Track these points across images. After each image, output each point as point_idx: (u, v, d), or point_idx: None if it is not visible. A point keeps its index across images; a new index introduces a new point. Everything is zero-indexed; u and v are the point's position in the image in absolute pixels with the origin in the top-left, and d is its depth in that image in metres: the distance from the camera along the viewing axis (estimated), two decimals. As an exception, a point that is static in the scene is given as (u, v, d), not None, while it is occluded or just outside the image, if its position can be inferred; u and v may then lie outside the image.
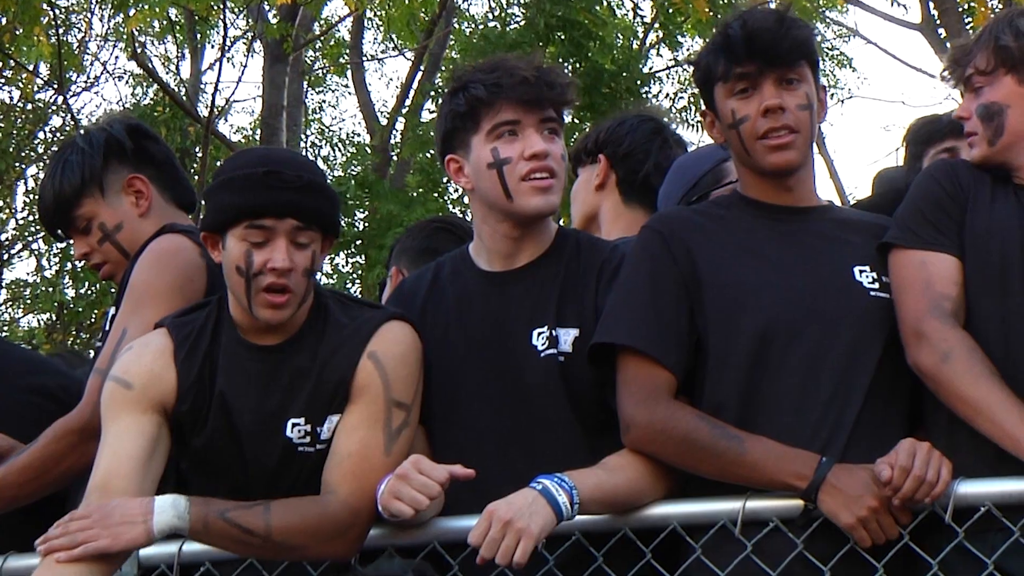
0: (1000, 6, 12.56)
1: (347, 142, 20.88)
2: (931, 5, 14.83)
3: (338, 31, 18.80)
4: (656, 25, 16.82)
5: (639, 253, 3.06)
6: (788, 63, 3.03)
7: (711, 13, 12.25)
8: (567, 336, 3.05)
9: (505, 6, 15.45)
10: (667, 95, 18.15)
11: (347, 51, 19.01)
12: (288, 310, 2.99)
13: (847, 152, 28.16)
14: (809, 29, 3.13)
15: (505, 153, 3.07)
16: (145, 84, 19.18)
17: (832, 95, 18.72)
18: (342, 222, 14.21)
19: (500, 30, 14.39)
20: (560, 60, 13.31)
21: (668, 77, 18.91)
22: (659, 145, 3.83)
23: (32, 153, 18.39)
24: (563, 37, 13.80)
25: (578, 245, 3.17)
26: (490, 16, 16.86)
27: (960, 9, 13.97)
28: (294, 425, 3.02)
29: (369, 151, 16.83)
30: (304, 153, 19.01)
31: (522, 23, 14.39)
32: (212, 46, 19.29)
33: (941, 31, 14.62)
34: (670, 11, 14.55)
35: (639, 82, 14.52)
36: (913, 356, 2.88)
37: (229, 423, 3.03)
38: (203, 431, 3.05)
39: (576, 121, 13.71)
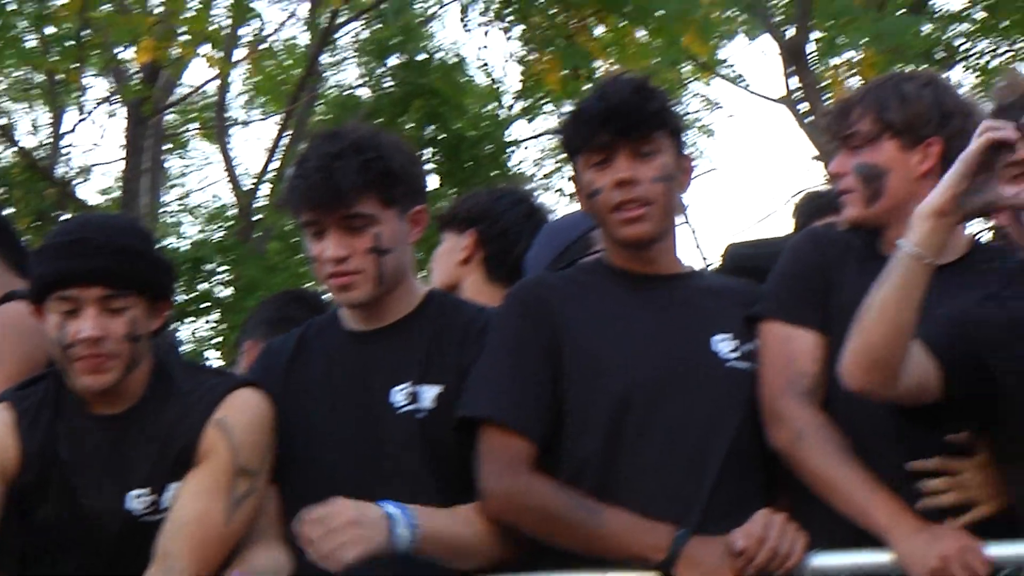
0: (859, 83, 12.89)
1: (207, 207, 20.66)
2: (792, 80, 15.18)
3: (203, 95, 18.65)
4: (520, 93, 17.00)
5: (502, 321, 3.05)
6: (643, 135, 3.00)
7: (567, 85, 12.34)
8: (429, 393, 3.01)
9: (373, 72, 15.48)
10: (533, 162, 18.31)
11: (212, 114, 18.84)
12: (108, 375, 2.93)
13: (710, 222, 28.53)
14: (665, 99, 3.10)
15: (313, 251, 3.05)
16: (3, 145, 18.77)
17: (696, 166, 18.97)
18: (191, 286, 14.05)
19: (357, 99, 14.38)
20: (416, 127, 13.34)
21: (536, 143, 19.07)
22: (531, 229, 3.79)
23: None
24: (420, 105, 13.82)
25: (444, 306, 3.15)
26: (358, 81, 16.92)
27: (820, 85, 14.32)
28: (137, 496, 2.94)
29: (231, 217, 16.68)
30: (162, 216, 18.76)
31: (377, 94, 14.43)
32: (76, 108, 18.99)
33: (802, 106, 14.97)
34: (529, 82, 14.69)
35: (503, 149, 14.62)
36: (769, 434, 2.91)
37: (71, 495, 2.95)
38: (45, 503, 2.96)
39: (441, 186, 13.76)
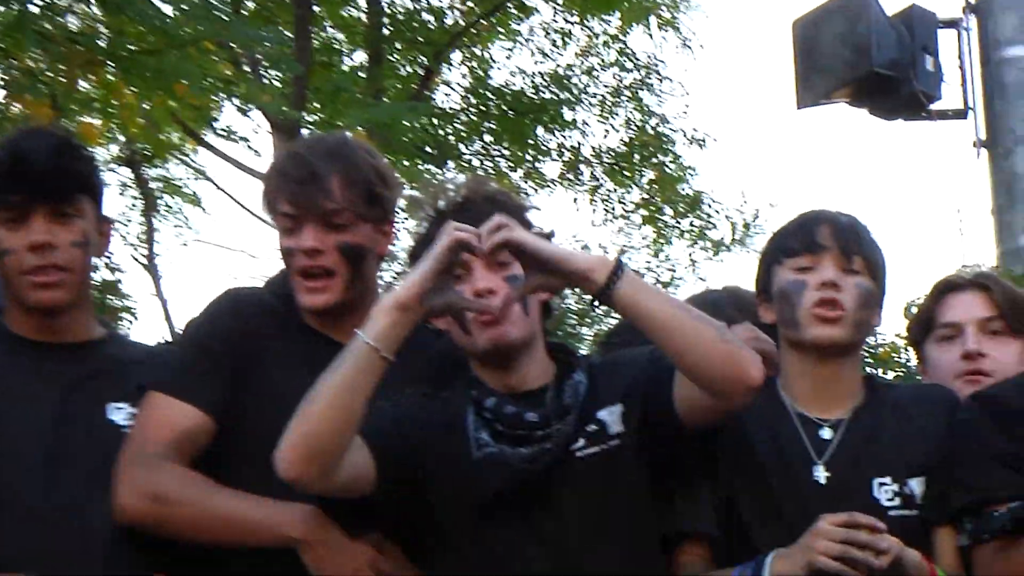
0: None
1: None
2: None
3: None
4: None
5: None
6: (62, 197, 2.88)
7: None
8: None
9: None
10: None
11: None
12: None
13: (191, 295, 27.44)
14: (90, 161, 3.00)
15: None
16: None
17: (180, 235, 18.27)
18: None
19: None
20: None
21: None
22: None
23: None
24: None
25: None
26: None
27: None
28: None
29: None
30: None
31: None
32: None
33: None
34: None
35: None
36: (116, 509, 2.76)
37: None
38: None
39: None
